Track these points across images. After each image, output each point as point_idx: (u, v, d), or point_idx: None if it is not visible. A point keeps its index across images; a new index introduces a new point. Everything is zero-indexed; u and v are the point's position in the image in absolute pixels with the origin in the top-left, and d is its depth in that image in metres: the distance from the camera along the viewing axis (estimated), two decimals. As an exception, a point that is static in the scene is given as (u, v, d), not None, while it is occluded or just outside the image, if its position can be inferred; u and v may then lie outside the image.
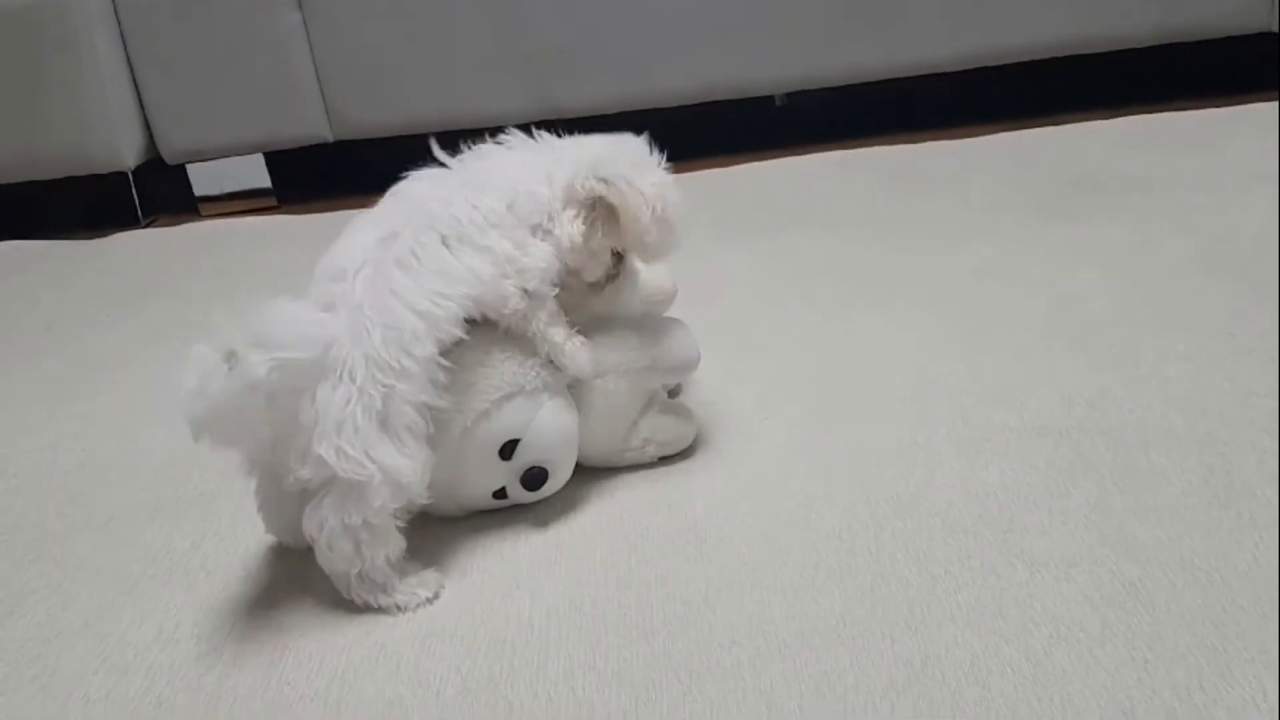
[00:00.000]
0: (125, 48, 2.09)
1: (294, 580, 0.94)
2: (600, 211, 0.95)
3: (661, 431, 1.03)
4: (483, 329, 0.94)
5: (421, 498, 0.88)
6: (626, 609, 0.85)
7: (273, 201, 2.19)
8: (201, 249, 1.94)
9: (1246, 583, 0.80)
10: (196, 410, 0.79)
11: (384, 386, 0.84)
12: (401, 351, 0.85)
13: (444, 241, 0.90)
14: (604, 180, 0.93)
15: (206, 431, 0.80)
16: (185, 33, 2.07)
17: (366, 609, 0.88)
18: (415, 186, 0.95)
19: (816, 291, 1.41)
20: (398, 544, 0.88)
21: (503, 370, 0.94)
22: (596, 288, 1.00)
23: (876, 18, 2.02)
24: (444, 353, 0.89)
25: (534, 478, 0.96)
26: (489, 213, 0.92)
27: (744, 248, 1.58)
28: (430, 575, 0.91)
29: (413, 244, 0.89)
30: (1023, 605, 0.80)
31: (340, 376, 0.83)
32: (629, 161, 0.95)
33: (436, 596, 0.89)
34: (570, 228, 0.94)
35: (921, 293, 1.36)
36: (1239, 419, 1.00)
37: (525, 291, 0.93)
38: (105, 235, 2.06)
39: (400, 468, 0.84)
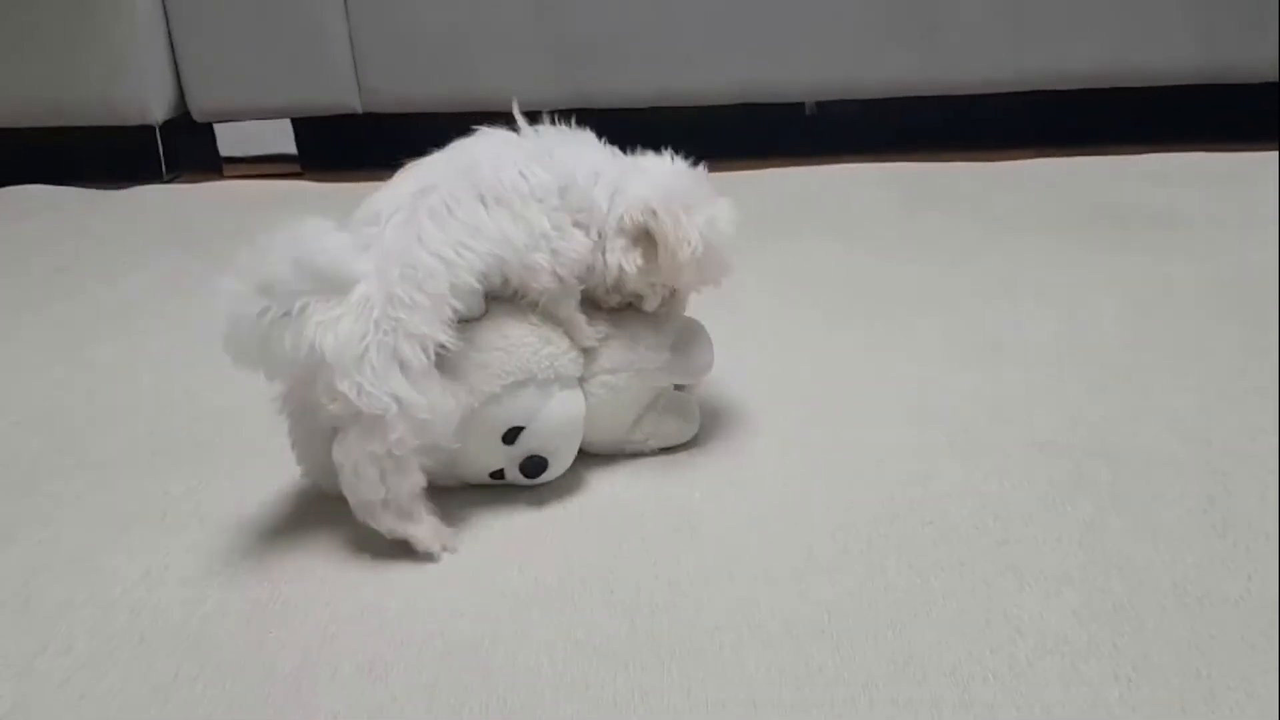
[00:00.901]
0: (163, 2, 2.09)
1: (286, 533, 0.94)
2: (645, 244, 0.95)
3: (665, 426, 1.03)
4: (504, 306, 0.94)
5: (449, 441, 0.89)
6: (614, 588, 0.85)
7: (296, 168, 2.19)
8: (222, 208, 1.94)
9: (1237, 612, 0.79)
10: (227, 334, 0.84)
11: (393, 320, 0.85)
12: (414, 288, 0.86)
13: (481, 199, 0.90)
14: (653, 213, 0.94)
15: (233, 352, 0.85)
16: (224, -7, 2.08)
17: (383, 549, 0.89)
18: (474, 145, 0.95)
19: (829, 297, 1.40)
20: (418, 480, 0.88)
21: (518, 356, 0.93)
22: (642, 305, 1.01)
23: (915, 35, 2.02)
24: (460, 318, 0.90)
25: (534, 466, 0.95)
26: (537, 186, 0.92)
27: (760, 249, 1.58)
28: (446, 529, 0.91)
29: (448, 197, 0.89)
30: (1010, 616, 0.80)
31: (361, 312, 0.84)
32: (684, 197, 0.96)
33: (447, 550, 0.90)
34: (624, 258, 0.95)
35: (934, 305, 1.36)
36: (1243, 453, 0.99)
37: (558, 275, 0.93)
38: (127, 187, 2.07)
39: (416, 403, 0.85)
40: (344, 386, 0.83)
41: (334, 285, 0.84)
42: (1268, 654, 0.75)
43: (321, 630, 0.82)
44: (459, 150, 0.95)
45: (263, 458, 1.03)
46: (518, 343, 0.93)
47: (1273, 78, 1.98)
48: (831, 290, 1.43)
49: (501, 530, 0.93)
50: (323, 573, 0.89)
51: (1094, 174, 1.86)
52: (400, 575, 0.88)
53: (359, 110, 2.13)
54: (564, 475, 0.99)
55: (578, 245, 0.94)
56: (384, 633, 0.81)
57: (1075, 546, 0.87)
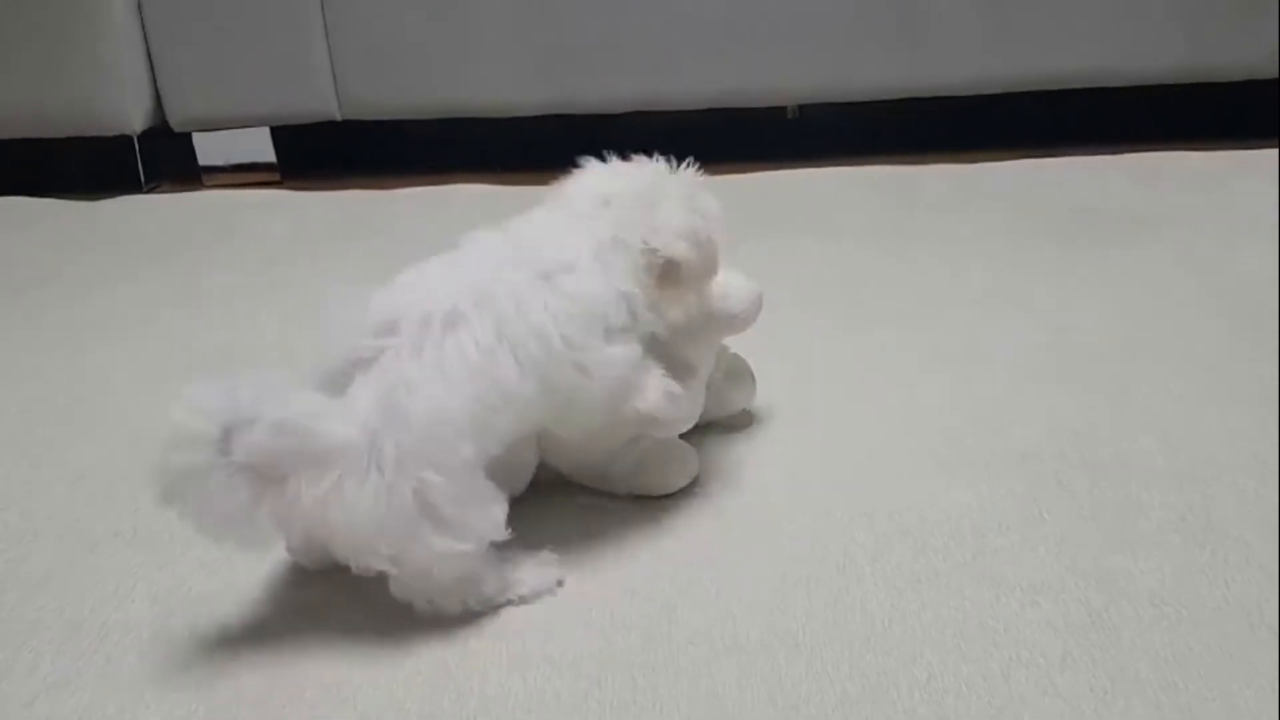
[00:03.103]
0: (140, 11, 2.08)
1: (256, 553, 0.92)
2: (663, 277, 0.87)
3: (649, 471, 0.97)
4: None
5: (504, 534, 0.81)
6: (588, 605, 0.84)
7: (276, 177, 2.18)
8: (202, 218, 1.93)
9: (1214, 623, 0.79)
10: (175, 486, 0.73)
11: (418, 481, 0.75)
12: (439, 450, 0.76)
13: (514, 354, 0.80)
14: (656, 249, 0.86)
15: (180, 508, 0.74)
16: (202, 0, 2.07)
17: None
18: (493, 262, 0.83)
19: (809, 302, 1.39)
20: (499, 575, 0.83)
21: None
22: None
23: (897, 38, 2.01)
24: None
25: None
26: (568, 330, 0.81)
27: (742, 255, 1.56)
28: (548, 559, 0.87)
29: (473, 341, 0.79)
30: (986, 627, 0.79)
31: (367, 468, 0.74)
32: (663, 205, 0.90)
33: (561, 583, 0.86)
34: (657, 301, 0.87)
35: (917, 310, 1.35)
36: (1224, 460, 0.98)
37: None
38: (106, 198, 2.05)
39: (456, 553, 0.77)
40: (376, 564, 0.76)
41: (312, 452, 0.74)
42: (1246, 665, 0.74)
43: (289, 650, 0.81)
44: (480, 267, 0.83)
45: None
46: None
47: (1262, 75, 1.98)
48: (811, 295, 1.42)
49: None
50: (291, 593, 0.88)
51: (1077, 175, 1.86)
52: (370, 595, 0.85)
53: (338, 118, 2.11)
54: (541, 493, 0.98)
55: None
56: (353, 653, 0.80)
57: (1052, 556, 0.87)
